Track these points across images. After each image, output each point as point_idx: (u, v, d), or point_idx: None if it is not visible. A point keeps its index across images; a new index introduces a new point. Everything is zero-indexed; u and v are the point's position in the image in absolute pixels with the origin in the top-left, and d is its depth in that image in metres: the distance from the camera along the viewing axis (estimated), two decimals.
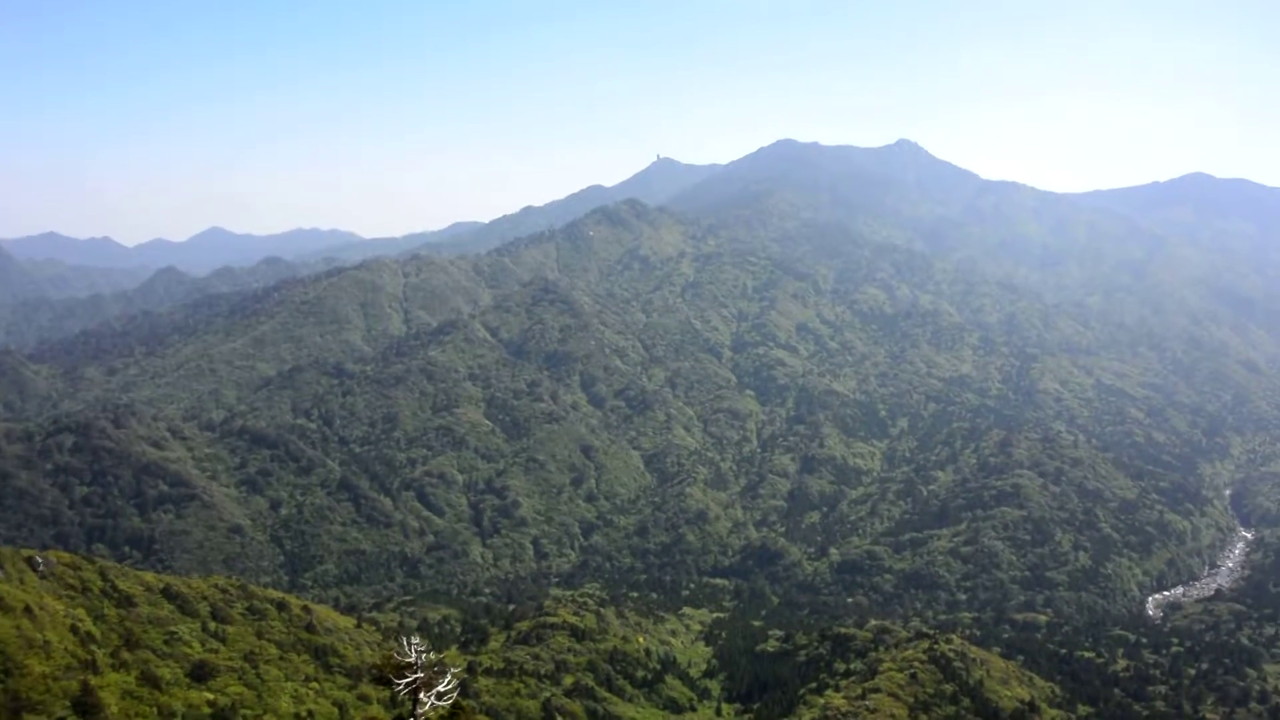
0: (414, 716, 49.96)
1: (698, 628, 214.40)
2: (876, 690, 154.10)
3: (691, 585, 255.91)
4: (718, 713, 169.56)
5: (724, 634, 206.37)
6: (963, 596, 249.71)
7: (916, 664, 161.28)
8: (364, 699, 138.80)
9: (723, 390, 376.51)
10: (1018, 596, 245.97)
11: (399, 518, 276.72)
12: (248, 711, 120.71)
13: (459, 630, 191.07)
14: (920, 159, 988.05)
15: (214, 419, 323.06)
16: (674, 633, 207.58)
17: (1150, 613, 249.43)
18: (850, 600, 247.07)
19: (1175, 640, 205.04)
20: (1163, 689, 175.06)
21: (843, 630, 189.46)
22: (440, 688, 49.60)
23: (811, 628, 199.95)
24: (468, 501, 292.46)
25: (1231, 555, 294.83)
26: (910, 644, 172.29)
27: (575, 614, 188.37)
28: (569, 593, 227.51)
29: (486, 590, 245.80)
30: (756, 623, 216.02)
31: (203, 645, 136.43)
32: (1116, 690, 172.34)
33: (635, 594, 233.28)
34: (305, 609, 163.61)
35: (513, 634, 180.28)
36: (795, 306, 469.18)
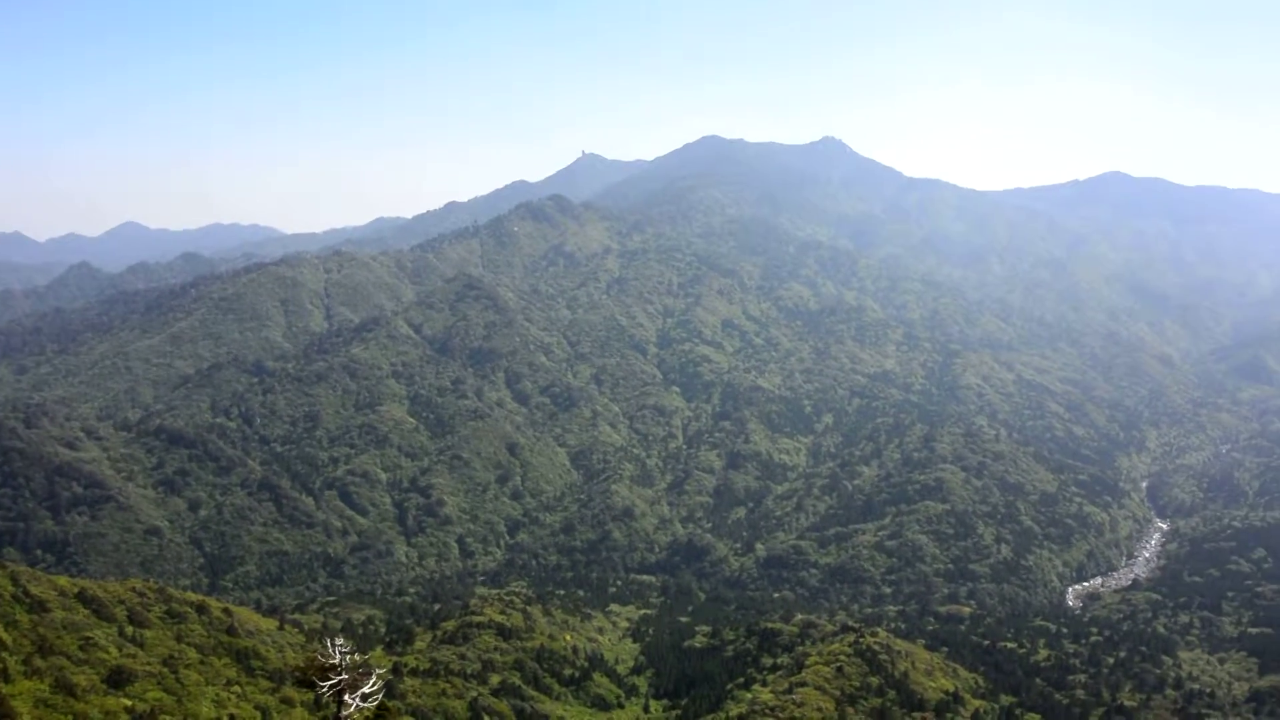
0: (339, 719, 48.95)
1: (625, 625, 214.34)
2: (803, 684, 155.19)
3: (618, 582, 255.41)
4: (645, 709, 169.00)
5: (651, 631, 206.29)
6: (888, 590, 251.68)
7: (843, 657, 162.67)
8: (287, 702, 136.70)
9: (648, 387, 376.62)
10: (941, 589, 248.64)
11: (322, 517, 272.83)
12: (167, 717, 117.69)
13: (384, 631, 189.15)
14: (845, 156, 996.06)
15: (130, 418, 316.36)
16: (601, 630, 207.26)
17: (1070, 603, 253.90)
18: (777, 595, 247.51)
19: (1094, 630, 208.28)
20: (1082, 677, 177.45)
21: (769, 625, 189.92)
22: (365, 689, 48.75)
23: (738, 623, 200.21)
24: (392, 500, 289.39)
25: (1148, 546, 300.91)
26: (836, 638, 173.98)
27: (502, 613, 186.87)
28: (495, 591, 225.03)
29: (411, 590, 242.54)
30: (683, 619, 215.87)
31: (120, 650, 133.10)
32: (1038, 680, 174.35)
33: (562, 592, 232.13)
34: (226, 611, 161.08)
35: (438, 634, 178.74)
36: (721, 303, 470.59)
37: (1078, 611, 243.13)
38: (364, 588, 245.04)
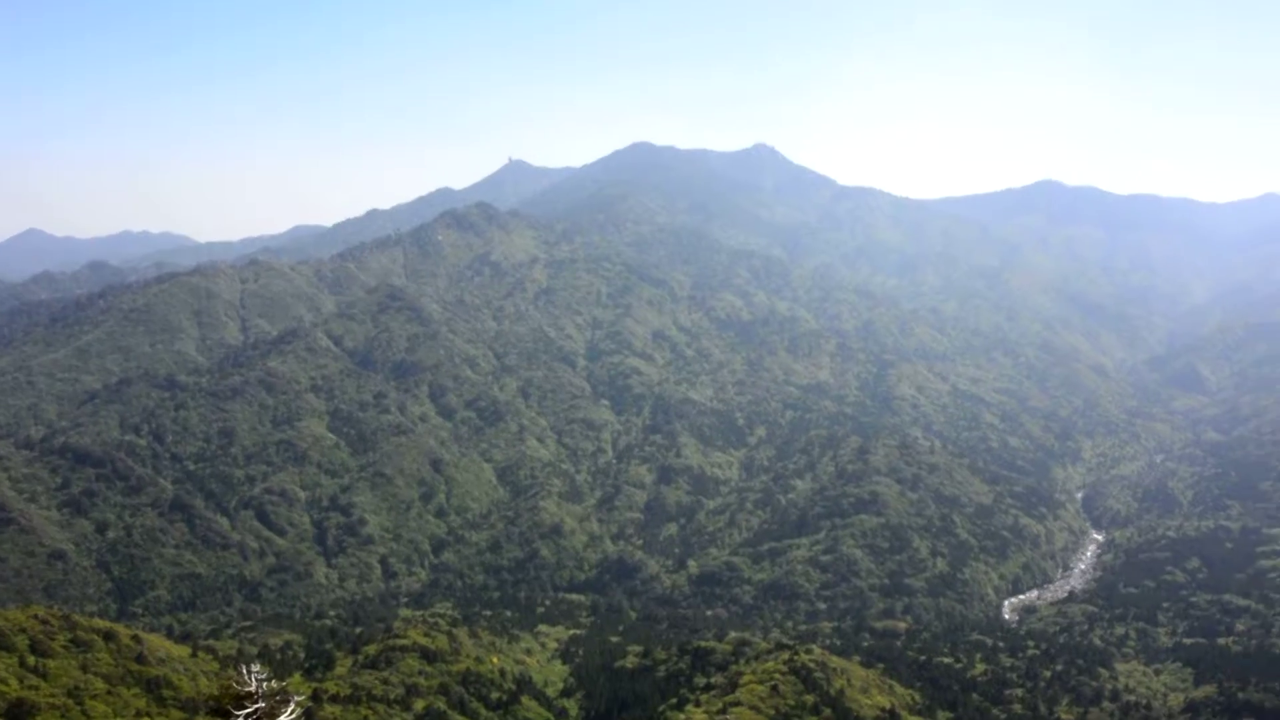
0: None
1: (554, 645, 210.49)
2: (737, 704, 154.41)
3: (547, 602, 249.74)
4: None
5: (581, 651, 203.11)
6: (822, 606, 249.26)
7: (777, 675, 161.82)
8: None
9: (577, 400, 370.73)
10: (877, 604, 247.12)
11: (237, 538, 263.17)
12: None
13: (303, 656, 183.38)
14: (778, 164, 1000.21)
15: (32, 436, 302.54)
16: (529, 651, 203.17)
17: (1006, 616, 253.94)
18: (710, 613, 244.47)
19: (1031, 643, 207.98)
20: (1019, 691, 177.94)
21: (702, 644, 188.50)
22: (283, 717, 46.06)
23: (670, 642, 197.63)
24: (311, 520, 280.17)
25: (1083, 557, 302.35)
26: (770, 655, 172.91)
27: (426, 635, 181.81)
28: (419, 613, 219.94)
29: (332, 613, 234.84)
30: (614, 639, 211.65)
31: (21, 682, 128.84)
32: (975, 695, 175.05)
33: (489, 613, 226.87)
34: (135, 639, 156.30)
35: (360, 658, 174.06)
36: (651, 313, 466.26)
37: (1014, 625, 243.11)
38: (282, 611, 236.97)
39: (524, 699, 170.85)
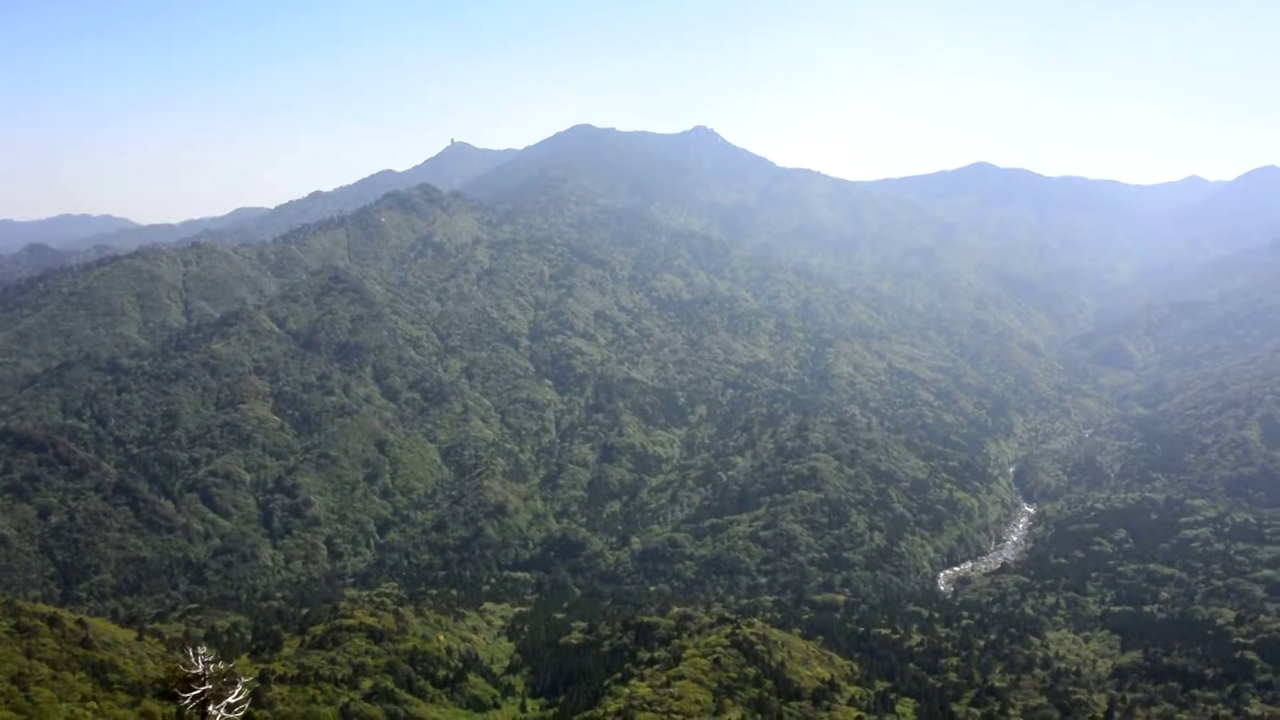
0: None
1: (500, 623, 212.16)
2: (681, 677, 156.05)
3: (492, 580, 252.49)
4: (522, 709, 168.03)
5: (526, 628, 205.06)
6: (763, 580, 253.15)
7: (719, 649, 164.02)
8: (148, 716, 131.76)
9: (520, 380, 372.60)
10: (816, 578, 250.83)
11: (182, 521, 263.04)
12: None
13: (249, 637, 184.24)
14: (717, 146, 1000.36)
15: None
16: (475, 629, 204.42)
17: (942, 588, 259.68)
18: (653, 588, 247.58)
19: (965, 613, 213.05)
20: (954, 661, 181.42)
21: (645, 619, 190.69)
22: (231, 699, 46.37)
23: (614, 618, 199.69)
24: (256, 502, 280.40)
25: (1015, 530, 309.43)
26: (713, 629, 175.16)
27: (372, 615, 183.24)
28: (365, 593, 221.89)
29: (278, 594, 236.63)
30: (559, 615, 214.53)
31: None
32: (911, 664, 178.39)
33: (434, 591, 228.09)
34: (80, 623, 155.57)
35: (307, 639, 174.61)
36: (593, 294, 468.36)
37: (949, 596, 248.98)
38: (228, 593, 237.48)
39: (470, 676, 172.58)
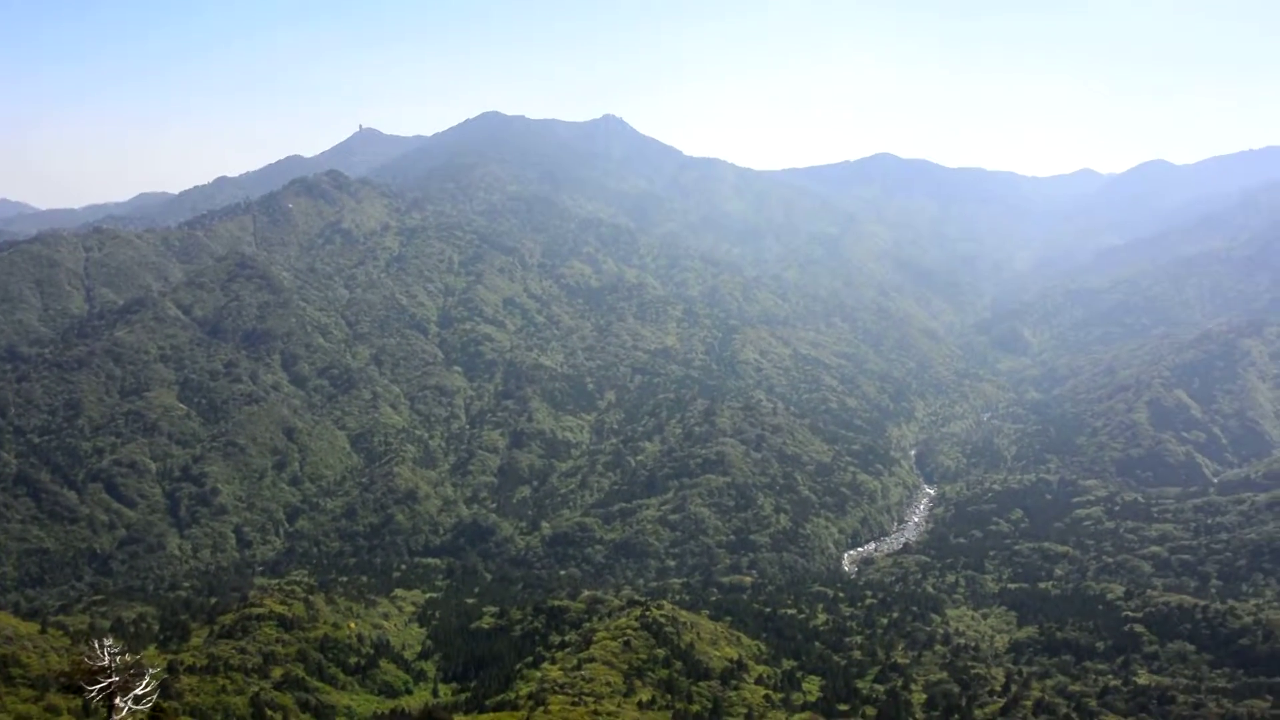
0: None
1: (411, 609, 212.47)
2: (592, 660, 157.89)
3: (403, 566, 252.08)
4: (434, 694, 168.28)
5: (438, 614, 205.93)
6: (672, 563, 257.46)
7: (630, 631, 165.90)
8: (53, 710, 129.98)
9: (430, 367, 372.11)
10: (724, 560, 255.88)
11: (86, 512, 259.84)
12: None
13: (157, 628, 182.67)
14: (625, 134, 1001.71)
15: None
16: (386, 616, 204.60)
17: (846, 568, 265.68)
18: (563, 573, 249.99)
19: (869, 593, 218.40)
20: (859, 639, 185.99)
21: (556, 603, 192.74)
22: (138, 691, 46.19)
23: (526, 602, 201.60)
24: (162, 491, 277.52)
25: (917, 510, 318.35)
26: (623, 612, 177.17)
27: (282, 603, 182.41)
28: (275, 581, 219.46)
29: (186, 584, 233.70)
30: (470, 600, 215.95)
31: None
32: (817, 643, 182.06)
33: (345, 579, 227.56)
34: None
35: (216, 628, 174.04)
36: (502, 281, 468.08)
37: (853, 576, 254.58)
38: (134, 584, 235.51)
39: (382, 662, 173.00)
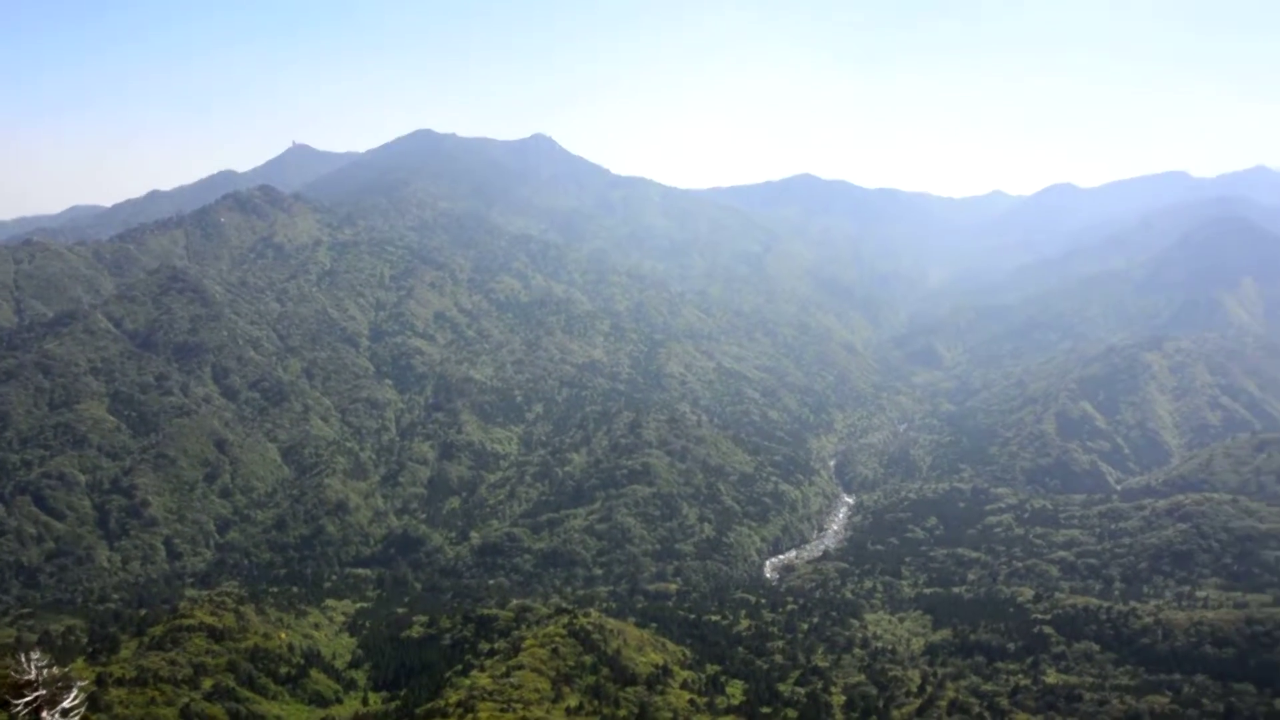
0: None
1: (341, 619, 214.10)
2: (520, 667, 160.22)
3: (334, 577, 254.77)
4: (364, 703, 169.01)
5: (368, 624, 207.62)
6: (599, 572, 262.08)
7: (558, 638, 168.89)
8: None
9: (361, 380, 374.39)
10: (650, 568, 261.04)
11: (13, 524, 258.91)
12: None
13: (85, 640, 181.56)
14: (555, 153, 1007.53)
15: None
16: (317, 626, 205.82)
17: (768, 575, 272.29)
18: (492, 582, 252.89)
19: (790, 599, 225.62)
20: (780, 644, 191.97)
21: (485, 611, 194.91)
22: (66, 704, 44.00)
23: (455, 611, 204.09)
24: (91, 503, 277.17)
25: (836, 519, 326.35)
26: (551, 620, 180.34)
27: (212, 614, 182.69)
28: (205, 593, 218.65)
29: (115, 596, 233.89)
30: (400, 610, 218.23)
31: None
32: (740, 648, 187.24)
33: (276, 589, 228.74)
34: None
35: (145, 640, 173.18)
36: (433, 295, 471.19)
37: (775, 583, 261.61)
38: (62, 596, 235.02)
39: (313, 672, 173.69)
